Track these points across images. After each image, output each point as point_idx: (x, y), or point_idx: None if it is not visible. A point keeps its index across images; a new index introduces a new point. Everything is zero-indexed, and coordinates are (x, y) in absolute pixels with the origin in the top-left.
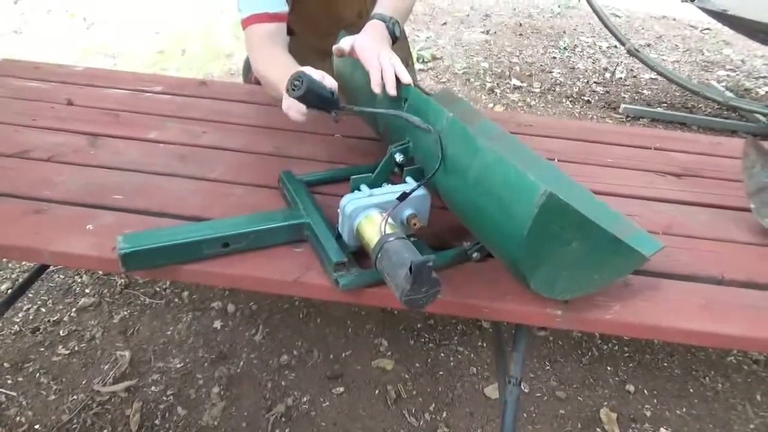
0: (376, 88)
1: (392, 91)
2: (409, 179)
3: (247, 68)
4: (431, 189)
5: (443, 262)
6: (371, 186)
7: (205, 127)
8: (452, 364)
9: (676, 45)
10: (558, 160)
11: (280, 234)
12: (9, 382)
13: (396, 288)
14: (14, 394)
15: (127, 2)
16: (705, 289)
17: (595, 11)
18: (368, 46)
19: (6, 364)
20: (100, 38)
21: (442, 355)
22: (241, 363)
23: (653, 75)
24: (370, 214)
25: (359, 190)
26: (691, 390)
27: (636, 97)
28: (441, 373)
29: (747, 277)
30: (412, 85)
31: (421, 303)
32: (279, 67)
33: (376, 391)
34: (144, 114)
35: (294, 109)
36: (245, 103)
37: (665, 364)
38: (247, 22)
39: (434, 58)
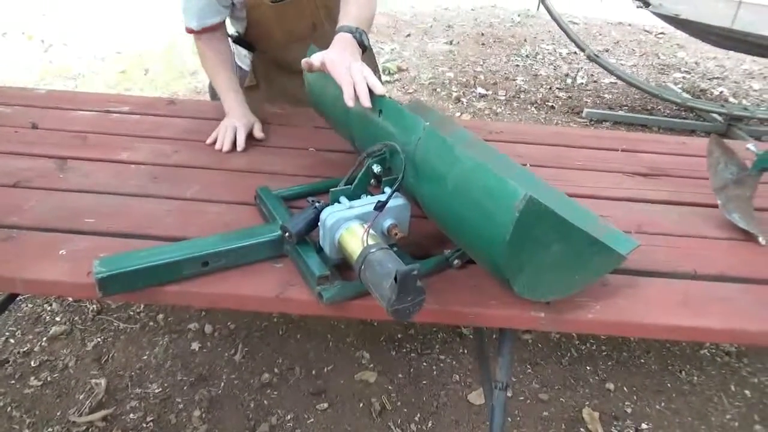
0: (350, 102)
1: (366, 102)
2: (387, 189)
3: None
4: (410, 198)
5: (425, 271)
6: (350, 198)
7: (176, 145)
8: (435, 372)
9: (633, 49)
10: (530, 165)
11: (260, 250)
12: None
13: (382, 299)
14: None
15: (85, 22)
16: (681, 285)
17: (554, 19)
18: (338, 60)
19: None
20: (59, 60)
21: (425, 364)
22: (222, 384)
23: (613, 79)
24: (351, 226)
25: (339, 202)
26: (669, 384)
27: (598, 102)
28: (424, 382)
29: (719, 271)
30: (386, 95)
31: (408, 312)
32: (217, 79)
33: (361, 405)
34: (113, 135)
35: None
36: (215, 120)
37: (642, 361)
38: (187, 31)
39: (400, 69)
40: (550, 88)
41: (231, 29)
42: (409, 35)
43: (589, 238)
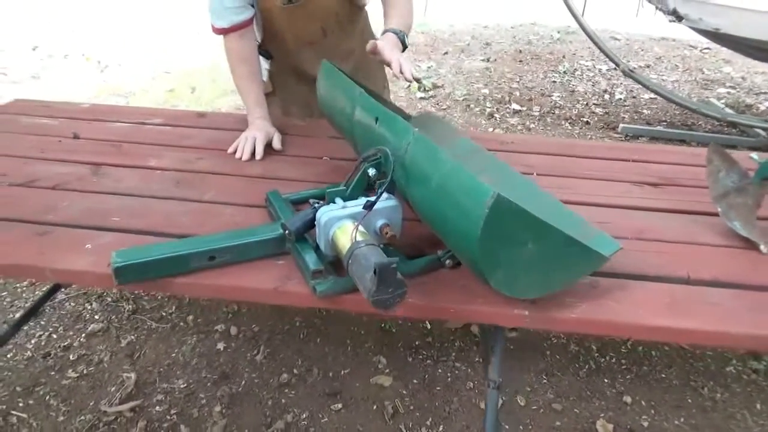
0: (397, 71)
1: (408, 76)
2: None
3: None
4: (403, 200)
5: (417, 269)
6: (345, 199)
7: (200, 154)
8: (449, 379)
9: (676, 65)
10: (536, 174)
11: (263, 247)
12: (20, 404)
13: (364, 290)
14: (25, 416)
15: (139, 44)
16: (671, 289)
17: (587, 34)
18: (387, 47)
19: (18, 388)
20: (113, 79)
21: (440, 371)
22: (243, 382)
23: (653, 95)
24: (344, 224)
25: (334, 202)
26: (690, 400)
27: (636, 117)
28: (438, 388)
29: (713, 276)
30: (419, 79)
31: (389, 303)
32: (245, 93)
33: (374, 407)
34: (144, 144)
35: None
36: (239, 131)
37: (663, 376)
38: (215, 31)
39: (435, 86)
40: (587, 104)
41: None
42: (446, 53)
43: (565, 238)
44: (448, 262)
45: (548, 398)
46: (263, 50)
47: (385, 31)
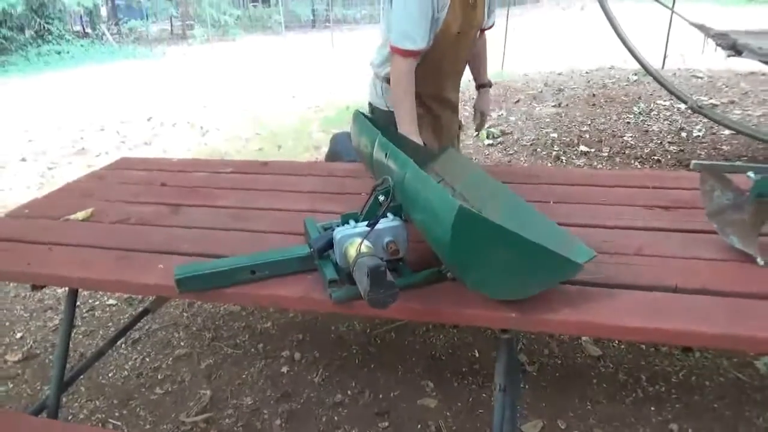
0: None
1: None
2: (389, 215)
3: (330, 158)
4: (406, 220)
5: (420, 280)
6: (358, 220)
7: (259, 195)
8: (492, 403)
9: (764, 99)
10: (553, 202)
11: (294, 263)
12: (116, 414)
13: (362, 291)
14: (120, 423)
15: (235, 111)
16: (657, 296)
17: (650, 73)
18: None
19: (115, 401)
20: (212, 142)
21: (484, 395)
22: (302, 401)
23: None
24: (355, 240)
25: (348, 223)
26: (741, 429)
27: (713, 154)
28: (481, 411)
29: (701, 285)
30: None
31: (382, 303)
32: (405, 104)
33: (418, 426)
34: (216, 188)
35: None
36: (294, 175)
37: (715, 406)
38: (393, 50)
39: (504, 133)
40: (661, 143)
41: (385, 69)
42: (518, 101)
43: (534, 246)
44: (449, 274)
45: (590, 423)
46: None
47: (481, 85)
